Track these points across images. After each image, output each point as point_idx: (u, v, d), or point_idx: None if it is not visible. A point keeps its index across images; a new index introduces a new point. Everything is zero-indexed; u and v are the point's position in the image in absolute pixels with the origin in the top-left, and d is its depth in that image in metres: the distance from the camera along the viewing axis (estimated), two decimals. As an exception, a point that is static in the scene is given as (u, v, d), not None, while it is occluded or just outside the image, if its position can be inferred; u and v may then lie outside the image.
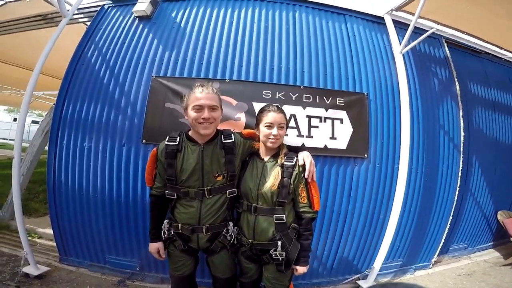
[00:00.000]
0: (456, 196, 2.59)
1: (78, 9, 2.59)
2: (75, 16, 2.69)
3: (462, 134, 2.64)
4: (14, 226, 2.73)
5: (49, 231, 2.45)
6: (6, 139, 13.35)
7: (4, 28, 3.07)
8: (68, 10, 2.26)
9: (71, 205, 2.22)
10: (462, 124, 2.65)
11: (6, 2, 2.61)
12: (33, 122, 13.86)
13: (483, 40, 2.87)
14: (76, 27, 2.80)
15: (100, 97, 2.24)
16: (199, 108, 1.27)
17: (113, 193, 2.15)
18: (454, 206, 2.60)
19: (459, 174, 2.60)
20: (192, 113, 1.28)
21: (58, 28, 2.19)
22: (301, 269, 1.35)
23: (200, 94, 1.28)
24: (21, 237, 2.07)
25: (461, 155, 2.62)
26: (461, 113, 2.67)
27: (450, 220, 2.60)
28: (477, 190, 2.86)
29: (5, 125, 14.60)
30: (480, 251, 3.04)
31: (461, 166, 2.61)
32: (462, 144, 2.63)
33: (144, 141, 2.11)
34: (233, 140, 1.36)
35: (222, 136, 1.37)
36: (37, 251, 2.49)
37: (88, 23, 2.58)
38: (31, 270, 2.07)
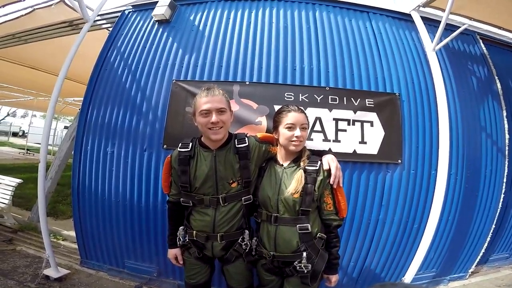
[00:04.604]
0: (500, 203, 2.35)
1: (100, 14, 2.64)
2: (98, 22, 2.76)
3: (507, 136, 2.39)
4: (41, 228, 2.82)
5: (73, 233, 2.49)
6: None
7: (34, 35, 3.20)
8: (90, 16, 2.30)
9: (93, 209, 2.24)
10: (506, 126, 2.40)
11: (34, 9, 2.71)
12: (65, 127, 14.50)
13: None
14: (102, 34, 2.86)
15: (122, 102, 2.25)
16: (207, 113, 1.21)
17: (134, 199, 2.14)
18: (498, 214, 2.36)
19: (504, 180, 2.35)
20: (200, 119, 1.23)
21: (81, 32, 2.24)
22: (334, 278, 1.27)
23: (206, 98, 1.22)
24: (44, 239, 2.11)
25: (506, 159, 2.37)
26: (504, 114, 2.42)
27: (492, 229, 2.36)
28: (524, 196, 2.57)
29: (41, 131, 15.40)
30: (524, 260, 2.76)
31: (506, 171, 2.36)
32: (507, 147, 2.38)
33: (165, 146, 2.08)
34: (247, 144, 1.29)
35: (236, 140, 1.30)
36: (60, 253, 2.54)
37: (111, 29, 2.63)
38: (52, 272, 2.09)
